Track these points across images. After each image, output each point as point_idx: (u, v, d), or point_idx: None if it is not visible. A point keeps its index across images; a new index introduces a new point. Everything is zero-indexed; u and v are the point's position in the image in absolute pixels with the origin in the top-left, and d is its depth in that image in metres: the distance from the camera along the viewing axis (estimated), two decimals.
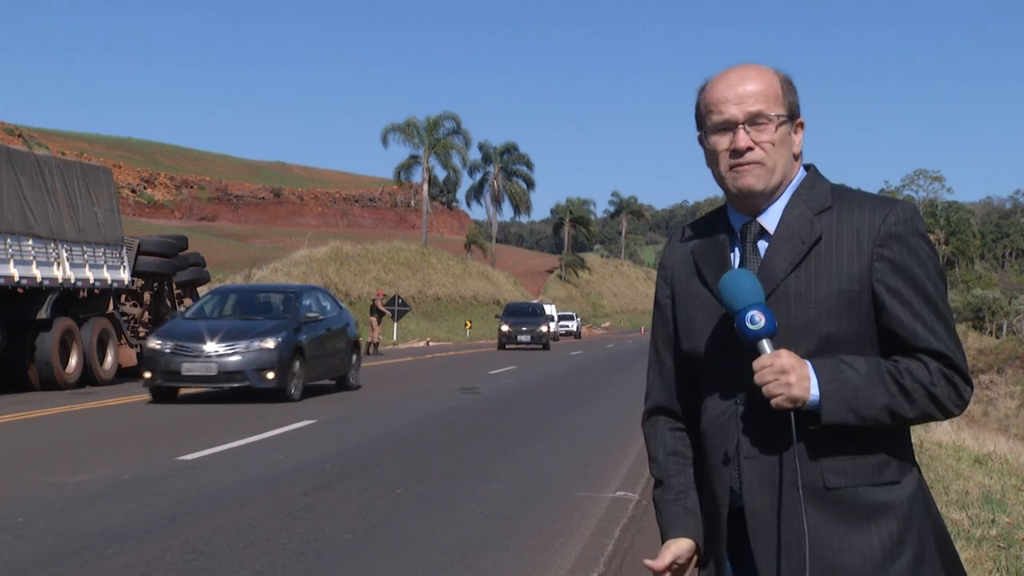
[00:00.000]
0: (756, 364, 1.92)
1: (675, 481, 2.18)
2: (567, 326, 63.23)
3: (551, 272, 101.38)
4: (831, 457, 1.95)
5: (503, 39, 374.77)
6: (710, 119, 2.03)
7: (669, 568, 2.09)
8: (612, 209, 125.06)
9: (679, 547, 2.10)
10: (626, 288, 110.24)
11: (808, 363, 1.92)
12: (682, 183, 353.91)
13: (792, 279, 1.98)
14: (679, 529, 2.13)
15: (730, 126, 2.01)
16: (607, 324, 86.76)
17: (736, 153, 2.00)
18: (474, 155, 76.44)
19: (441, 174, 73.15)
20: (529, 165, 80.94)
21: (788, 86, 2.05)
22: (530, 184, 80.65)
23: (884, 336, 1.98)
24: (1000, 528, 6.45)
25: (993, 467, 9.94)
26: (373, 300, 35.20)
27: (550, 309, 56.38)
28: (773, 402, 1.91)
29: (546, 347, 39.66)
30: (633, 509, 7.48)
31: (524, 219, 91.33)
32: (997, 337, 63.34)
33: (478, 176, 79.48)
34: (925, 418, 1.98)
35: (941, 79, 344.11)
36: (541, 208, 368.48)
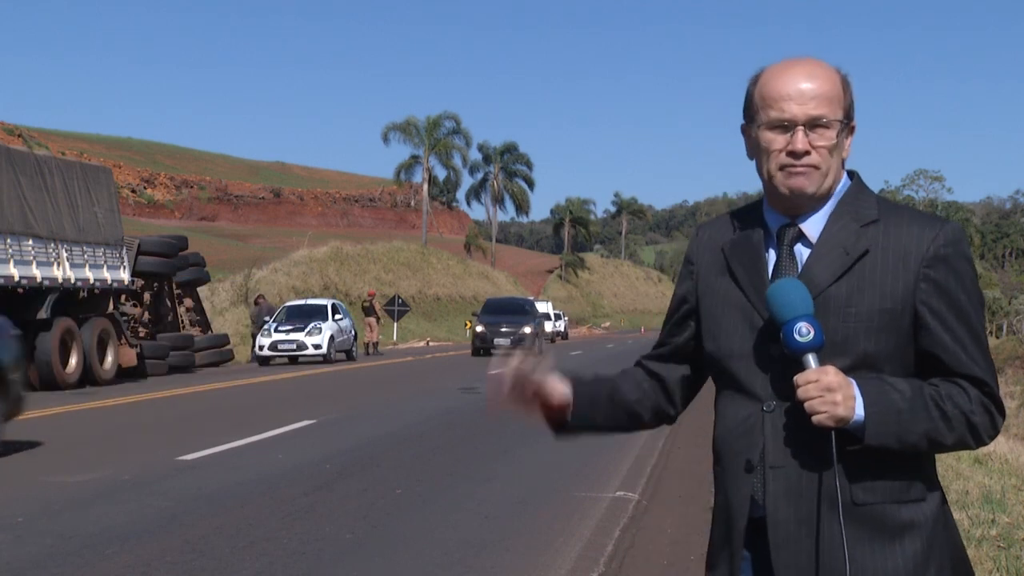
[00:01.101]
0: (800, 379, 1.85)
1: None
2: (555, 326, 60.58)
3: (551, 272, 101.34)
4: (862, 473, 1.90)
5: (503, 39, 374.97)
6: (767, 114, 1.94)
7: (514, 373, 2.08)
8: (613, 209, 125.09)
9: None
10: (626, 288, 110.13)
11: (853, 382, 1.86)
12: (682, 183, 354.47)
13: (833, 290, 1.91)
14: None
15: (789, 126, 1.91)
16: (607, 324, 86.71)
17: (793, 155, 1.91)
18: (474, 155, 76.55)
19: (441, 174, 73.27)
20: (529, 165, 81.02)
21: (847, 87, 1.96)
22: (530, 184, 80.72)
23: (922, 357, 1.93)
24: (1000, 528, 6.44)
25: (993, 467, 9.94)
26: (370, 301, 34.82)
27: (545, 307, 52.57)
28: (815, 419, 1.84)
29: None
30: (633, 509, 7.48)
31: (524, 219, 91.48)
32: (997, 337, 63.27)
33: (478, 176, 79.59)
34: (960, 446, 1.92)
35: (941, 79, 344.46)
36: (541, 208, 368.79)
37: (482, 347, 31.33)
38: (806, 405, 1.84)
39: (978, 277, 1.98)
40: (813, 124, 1.91)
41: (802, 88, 1.91)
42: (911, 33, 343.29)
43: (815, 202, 1.96)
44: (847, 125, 1.95)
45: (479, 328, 31.83)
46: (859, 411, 1.84)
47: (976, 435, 1.91)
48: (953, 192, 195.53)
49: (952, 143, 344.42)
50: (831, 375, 1.83)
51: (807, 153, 1.91)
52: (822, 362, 1.87)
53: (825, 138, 1.91)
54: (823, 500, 1.89)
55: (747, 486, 1.96)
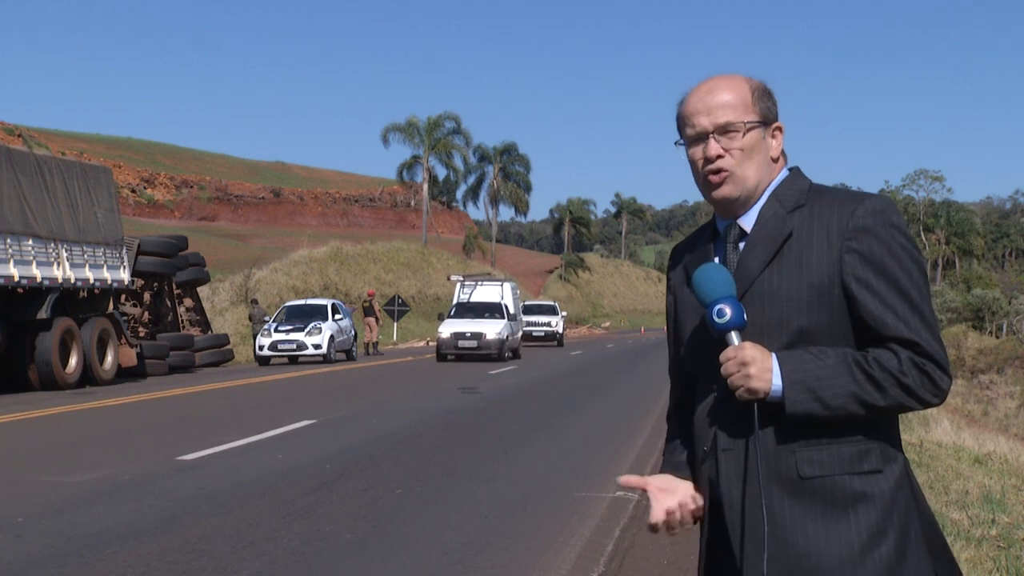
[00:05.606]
0: (722, 356, 1.97)
1: (670, 447, 2.26)
2: (549, 324, 45.23)
3: (551, 272, 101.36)
4: (805, 446, 1.97)
5: (503, 39, 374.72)
6: (685, 132, 2.12)
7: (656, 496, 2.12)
8: (613, 209, 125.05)
9: (658, 481, 2.14)
10: (626, 288, 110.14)
11: (773, 355, 1.95)
12: (682, 183, 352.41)
13: (765, 276, 2.02)
14: (662, 470, 2.20)
15: (702, 137, 2.08)
16: (607, 324, 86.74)
17: (708, 161, 2.07)
18: (472, 156, 76.48)
19: (442, 174, 73.22)
20: (527, 166, 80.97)
21: (760, 93, 2.10)
22: (528, 186, 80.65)
23: (858, 329, 2.00)
24: (1000, 528, 6.45)
25: (993, 467, 9.95)
26: (369, 301, 34.82)
27: (504, 290, 34.31)
28: (736, 394, 1.95)
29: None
30: (633, 509, 7.48)
31: (523, 219, 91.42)
32: (997, 337, 63.25)
33: (476, 176, 79.48)
34: (900, 408, 1.98)
35: (941, 79, 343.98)
36: (541, 208, 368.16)
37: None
38: (727, 381, 1.96)
39: (915, 243, 2.04)
40: (723, 131, 2.07)
41: (708, 101, 2.08)
42: (911, 33, 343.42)
43: (746, 202, 2.10)
44: (766, 126, 2.09)
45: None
46: (776, 382, 1.94)
47: (914, 395, 1.96)
48: (953, 192, 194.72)
49: (952, 143, 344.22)
50: (747, 349, 1.95)
51: (720, 157, 2.07)
52: (762, 343, 1.98)
53: (736, 141, 2.06)
54: (771, 478, 1.97)
55: (706, 470, 2.09)
